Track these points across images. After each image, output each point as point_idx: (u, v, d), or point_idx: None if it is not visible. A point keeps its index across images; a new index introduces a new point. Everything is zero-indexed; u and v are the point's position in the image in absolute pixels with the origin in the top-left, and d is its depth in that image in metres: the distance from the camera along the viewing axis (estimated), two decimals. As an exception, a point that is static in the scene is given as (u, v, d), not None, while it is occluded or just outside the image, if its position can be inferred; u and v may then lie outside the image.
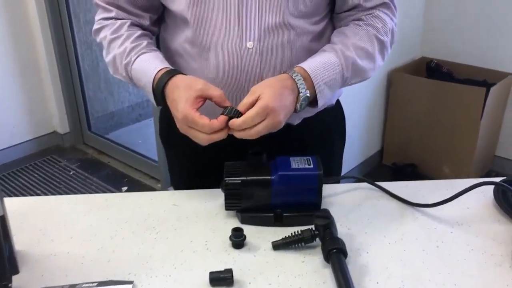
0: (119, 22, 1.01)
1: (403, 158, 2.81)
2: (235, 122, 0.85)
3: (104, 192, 2.75)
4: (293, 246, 0.83)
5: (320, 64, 0.92)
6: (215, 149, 0.99)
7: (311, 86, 0.91)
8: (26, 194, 2.75)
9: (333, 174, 1.18)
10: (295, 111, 0.90)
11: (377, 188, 1.00)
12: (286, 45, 0.96)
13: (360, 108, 2.63)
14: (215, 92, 0.87)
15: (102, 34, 1.03)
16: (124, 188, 2.82)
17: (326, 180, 0.92)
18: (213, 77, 0.98)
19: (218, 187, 0.94)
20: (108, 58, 1.01)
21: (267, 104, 0.84)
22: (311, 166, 0.89)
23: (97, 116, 3.42)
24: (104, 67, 3.35)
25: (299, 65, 0.93)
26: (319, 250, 0.81)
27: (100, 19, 1.04)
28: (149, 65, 0.95)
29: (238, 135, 0.87)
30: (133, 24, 1.02)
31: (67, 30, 3.05)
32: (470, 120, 2.51)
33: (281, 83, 0.88)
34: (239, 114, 0.85)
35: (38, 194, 2.74)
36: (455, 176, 2.64)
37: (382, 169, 2.89)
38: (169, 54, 1.06)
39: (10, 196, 2.45)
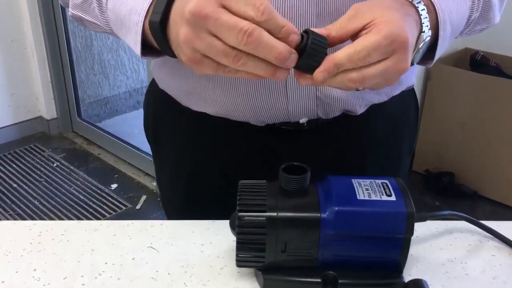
0: None
1: (439, 165, 2.41)
2: (336, 55, 0.45)
3: (90, 188, 2.38)
4: None
5: None
6: (225, 153, 0.70)
7: (434, 23, 0.54)
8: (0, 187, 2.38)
9: None
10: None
11: (484, 232, 0.61)
12: None
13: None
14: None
15: None
16: (114, 186, 2.45)
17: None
18: None
19: (226, 216, 0.56)
20: None
21: (396, 32, 0.46)
22: (392, 197, 0.50)
23: (89, 101, 3.05)
24: (99, 46, 2.98)
25: None
26: None
27: None
28: None
29: (327, 81, 0.46)
30: None
31: (57, 2, 2.66)
32: (525, 123, 2.11)
33: (402, 7, 0.51)
34: (322, 52, 0.46)
35: (13, 188, 2.37)
36: (500, 189, 2.25)
37: (412, 176, 2.49)
38: None
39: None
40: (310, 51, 0.45)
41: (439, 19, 0.54)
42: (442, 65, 2.32)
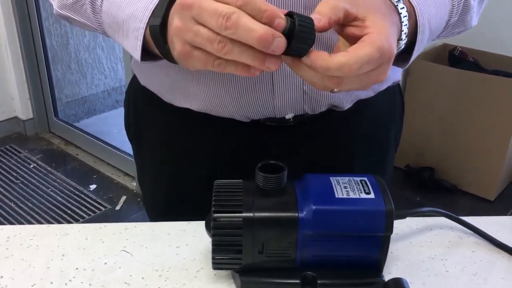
0: None
1: (419, 160, 2.43)
2: (328, 60, 0.43)
3: (68, 190, 2.33)
4: None
5: None
6: (208, 149, 0.68)
7: (413, 28, 0.53)
8: (-26, 190, 2.32)
9: None
10: None
11: (464, 228, 0.60)
12: None
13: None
14: None
15: None
16: (92, 186, 2.40)
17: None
18: None
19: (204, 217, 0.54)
20: None
21: (386, 46, 0.45)
22: (371, 194, 0.49)
23: (66, 101, 2.99)
24: (75, 45, 2.93)
25: None
26: None
27: None
28: None
29: (307, 72, 0.45)
30: None
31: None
32: (502, 118, 2.13)
33: (390, 13, 0.49)
34: (311, 33, 0.43)
35: (-12, 191, 2.31)
36: (480, 184, 2.27)
37: (393, 172, 2.50)
38: None
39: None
40: (299, 34, 0.42)
41: (418, 23, 0.53)
42: (421, 61, 2.34)
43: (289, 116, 0.62)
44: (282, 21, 0.42)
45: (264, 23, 0.41)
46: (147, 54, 0.53)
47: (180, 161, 0.70)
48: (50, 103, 2.86)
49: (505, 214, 2.20)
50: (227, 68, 0.44)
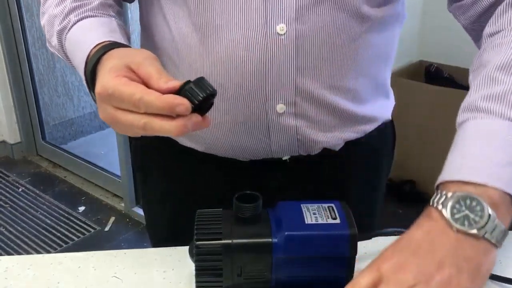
0: None
1: (401, 174, 2.50)
2: None
3: (57, 212, 2.36)
4: None
5: None
6: (211, 186, 0.74)
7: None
8: (-37, 216, 2.34)
9: (374, 217, 0.83)
10: None
11: (426, 246, 0.66)
12: (337, 29, 0.62)
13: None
14: (156, 69, 0.50)
15: None
16: (81, 208, 2.43)
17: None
18: (219, 80, 0.63)
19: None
20: (43, 20, 0.70)
21: None
22: (337, 220, 0.55)
23: (53, 124, 3.02)
24: (62, 68, 2.97)
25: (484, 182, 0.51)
26: None
27: None
28: (88, 34, 0.60)
29: None
30: None
31: (17, 24, 2.66)
32: (478, 131, 2.21)
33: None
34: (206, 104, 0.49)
35: (-23, 216, 2.33)
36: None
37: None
38: (152, 38, 0.70)
39: None
40: (191, 91, 0.48)
41: None
42: (399, 78, 2.42)
43: (285, 157, 0.69)
44: (174, 83, 0.48)
45: (162, 89, 0.48)
46: None
47: (183, 194, 0.75)
48: (38, 126, 2.89)
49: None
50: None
